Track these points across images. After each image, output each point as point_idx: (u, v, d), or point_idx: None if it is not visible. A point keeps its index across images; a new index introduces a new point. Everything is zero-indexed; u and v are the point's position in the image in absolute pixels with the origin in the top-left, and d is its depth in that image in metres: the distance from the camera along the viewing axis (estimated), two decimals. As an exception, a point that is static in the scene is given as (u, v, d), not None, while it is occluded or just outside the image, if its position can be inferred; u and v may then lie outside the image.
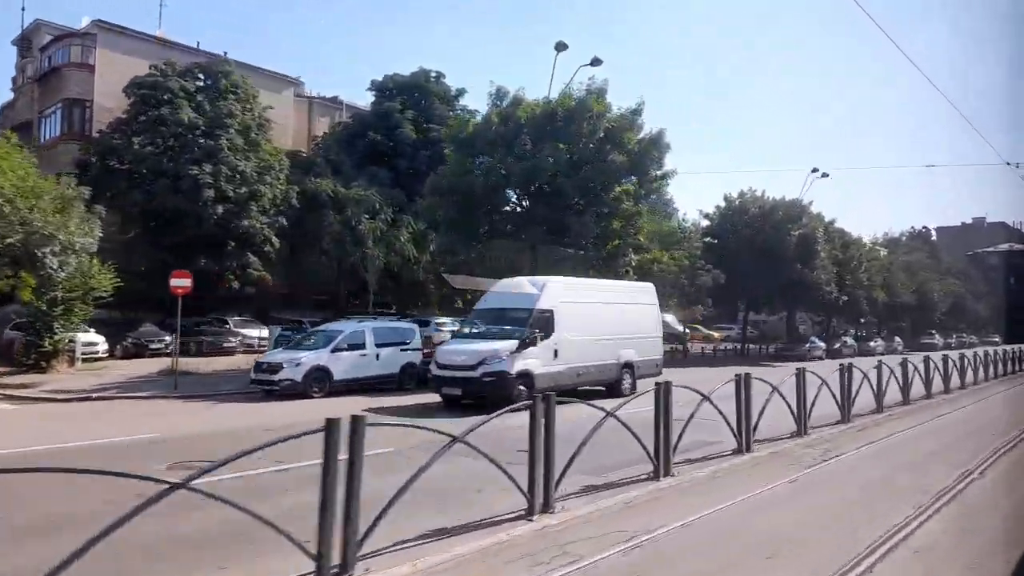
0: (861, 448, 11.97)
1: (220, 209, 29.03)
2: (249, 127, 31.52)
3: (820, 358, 42.39)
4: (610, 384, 18.05)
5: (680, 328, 58.59)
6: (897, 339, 60.18)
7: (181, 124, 29.35)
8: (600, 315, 17.51)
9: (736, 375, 11.18)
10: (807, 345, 42.47)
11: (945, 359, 22.99)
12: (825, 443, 12.23)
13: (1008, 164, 25.55)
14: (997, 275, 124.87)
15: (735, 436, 10.73)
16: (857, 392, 15.43)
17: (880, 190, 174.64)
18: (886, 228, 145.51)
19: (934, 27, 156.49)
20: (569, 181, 22.87)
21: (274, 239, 31.71)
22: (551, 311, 16.41)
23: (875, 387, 16.75)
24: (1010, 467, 10.47)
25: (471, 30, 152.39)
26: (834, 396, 14.51)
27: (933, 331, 71.85)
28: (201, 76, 32.62)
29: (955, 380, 23.17)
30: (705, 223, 43.42)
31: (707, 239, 41.64)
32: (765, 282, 38.65)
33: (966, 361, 25.80)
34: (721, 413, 10.52)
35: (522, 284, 17.46)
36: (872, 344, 52.92)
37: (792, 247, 38.86)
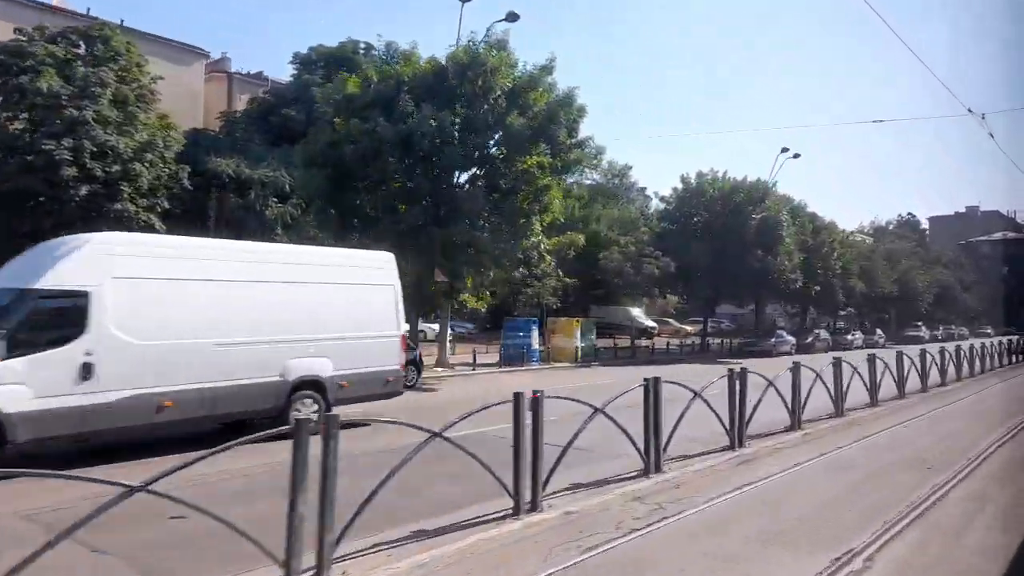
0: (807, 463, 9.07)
1: (84, 190, 25.34)
2: (126, 98, 27.75)
3: (788, 353, 38.83)
4: (270, 415, 10.63)
5: (647, 322, 55.12)
6: (879, 332, 56.65)
7: (40, 94, 25.61)
8: (246, 300, 10.60)
9: (645, 380, 8.96)
10: (773, 339, 38.88)
11: (923, 353, 20.72)
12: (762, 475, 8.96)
13: (971, 112, 22.02)
14: (991, 264, 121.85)
15: (641, 456, 8.51)
16: (808, 395, 12.88)
17: (874, 181, 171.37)
18: (873, 216, 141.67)
19: (933, 26, 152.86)
20: (458, 149, 19.24)
21: (158, 224, 28.00)
22: (85, 292, 9.13)
23: (832, 389, 14.25)
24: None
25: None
26: (786, 402, 12.15)
27: (919, 323, 68.41)
28: (81, 43, 28.89)
29: (935, 376, 21.38)
30: (662, 207, 39.78)
31: (663, 225, 37.99)
32: (724, 271, 35.07)
33: (947, 356, 23.01)
34: (624, 431, 8.22)
35: (53, 248, 9.99)
36: (849, 337, 49.40)
37: (752, 232, 35.22)
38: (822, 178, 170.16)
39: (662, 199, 41.04)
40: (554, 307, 57.86)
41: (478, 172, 19.94)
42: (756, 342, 39.00)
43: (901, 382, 18.61)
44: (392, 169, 19.29)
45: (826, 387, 14.28)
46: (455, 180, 19.11)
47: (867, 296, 52.84)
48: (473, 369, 24.50)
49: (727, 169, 37.24)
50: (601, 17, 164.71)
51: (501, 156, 20.00)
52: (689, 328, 61.47)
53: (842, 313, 63.50)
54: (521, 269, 22.27)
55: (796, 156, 44.39)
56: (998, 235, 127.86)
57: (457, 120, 19.18)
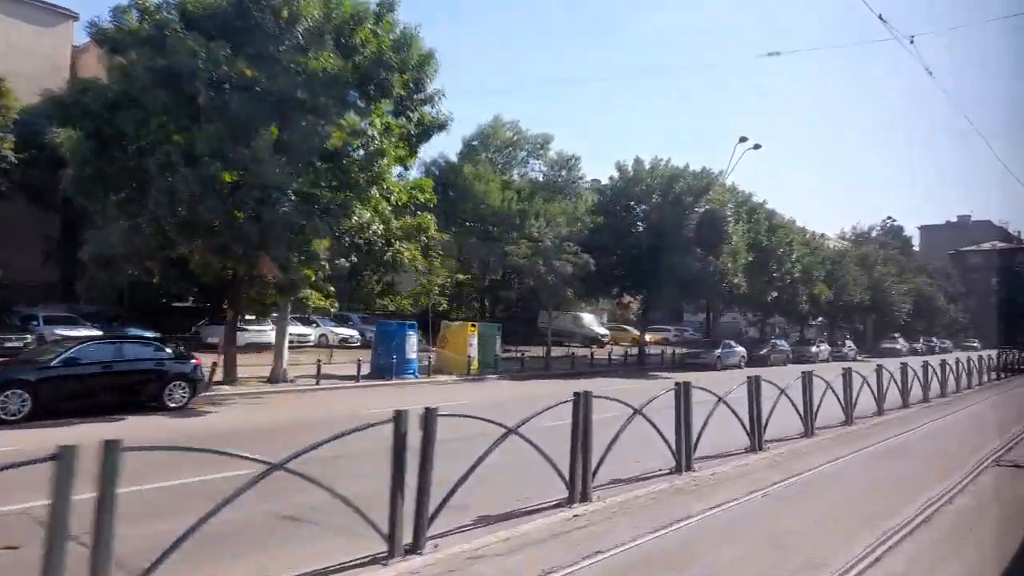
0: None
1: None
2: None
3: (737, 366, 34.42)
4: None
5: (598, 330, 50.62)
6: (848, 343, 52.15)
7: None
8: None
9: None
10: (718, 351, 34.31)
11: (878, 370, 17.45)
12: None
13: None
14: (981, 275, 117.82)
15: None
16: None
17: (865, 190, 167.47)
18: (855, 221, 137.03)
19: (932, 36, 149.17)
20: (243, 97, 14.64)
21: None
22: None
23: (752, 418, 11.19)
24: None
25: None
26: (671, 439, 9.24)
27: (896, 335, 64.04)
28: None
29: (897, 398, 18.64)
30: (596, 199, 35.21)
31: (596, 218, 33.42)
32: (660, 271, 30.55)
33: (910, 374, 19.75)
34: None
35: None
36: (814, 349, 44.87)
37: (693, 227, 30.70)
38: (809, 186, 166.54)
39: (597, 189, 36.56)
40: (496, 313, 53.55)
41: (281, 131, 15.31)
42: (700, 353, 34.42)
43: (848, 404, 14.95)
44: (160, 124, 14.69)
45: (738, 417, 11.05)
46: (252, 142, 14.48)
47: (836, 305, 48.39)
48: (317, 383, 19.85)
49: (671, 156, 32.81)
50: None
51: (311, 110, 15.39)
52: (650, 336, 57.04)
53: (813, 323, 59.07)
54: (353, 257, 17.50)
55: (756, 147, 40.35)
56: (987, 245, 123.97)
57: (245, 62, 14.57)
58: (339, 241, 16.21)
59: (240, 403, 16.39)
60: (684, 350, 37.71)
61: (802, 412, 12.85)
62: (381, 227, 17.07)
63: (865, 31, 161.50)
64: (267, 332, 30.00)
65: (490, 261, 35.91)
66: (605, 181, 34.96)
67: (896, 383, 18.64)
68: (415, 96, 17.03)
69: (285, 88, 15.03)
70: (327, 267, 17.73)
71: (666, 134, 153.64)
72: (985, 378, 30.33)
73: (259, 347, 26.57)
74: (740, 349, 36.27)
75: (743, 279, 31.83)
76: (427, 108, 17.82)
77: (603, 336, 49.20)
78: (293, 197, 15.21)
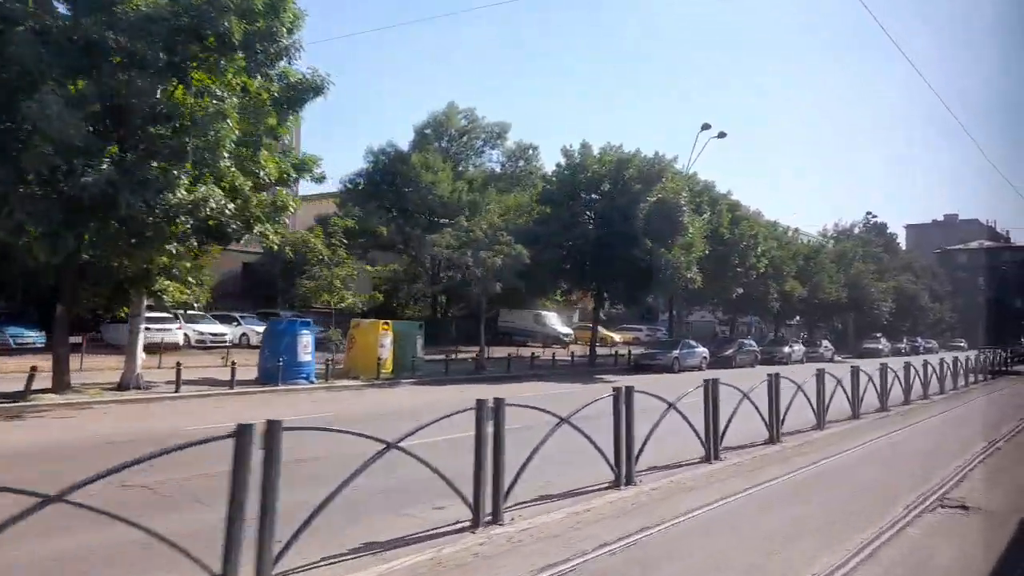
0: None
1: None
2: None
3: (698, 367, 31.76)
4: None
5: (560, 328, 47.91)
6: (825, 343, 49.56)
7: None
8: None
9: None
10: (676, 351, 31.61)
11: (854, 372, 16.47)
12: None
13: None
14: (968, 274, 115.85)
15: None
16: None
17: (852, 189, 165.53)
18: (837, 218, 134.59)
19: (921, 37, 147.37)
20: (34, 39, 11.83)
21: None
22: None
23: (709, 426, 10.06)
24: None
25: None
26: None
27: (878, 334, 61.56)
28: None
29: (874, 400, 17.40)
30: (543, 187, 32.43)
31: (542, 208, 30.69)
32: (608, 264, 27.88)
33: (889, 375, 18.45)
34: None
35: None
36: (786, 350, 42.21)
37: (643, 217, 27.98)
38: (800, 184, 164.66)
39: (543, 177, 33.91)
40: (451, 311, 50.78)
41: (80, 85, 12.49)
42: (656, 354, 31.67)
43: (774, 418, 12.21)
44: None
45: (691, 426, 9.92)
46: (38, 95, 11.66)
47: (811, 303, 45.82)
48: (176, 391, 17.02)
49: (623, 142, 30.14)
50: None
51: (130, 60, 12.60)
52: (619, 336, 54.39)
53: (791, 323, 56.56)
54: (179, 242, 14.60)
55: (721, 135, 37.80)
56: (974, 244, 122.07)
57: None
58: (167, 221, 13.34)
59: (50, 416, 13.56)
60: (641, 350, 34.98)
61: (702, 436, 10.09)
62: (230, 206, 14.19)
63: (857, 30, 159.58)
64: (173, 331, 27.23)
65: (431, 255, 33.16)
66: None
67: (855, 389, 16.07)
68: (269, 48, 14.16)
69: (90, 30, 12.23)
70: (175, 252, 14.98)
71: (665, 132, 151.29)
72: (963, 381, 27.77)
73: (165, 347, 23.71)
74: (701, 350, 33.57)
75: (697, 273, 29.07)
76: (285, 64, 14.98)
77: (565, 335, 46.50)
78: (105, 166, 12.41)
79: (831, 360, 48.40)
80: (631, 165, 28.92)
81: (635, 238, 27.53)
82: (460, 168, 43.14)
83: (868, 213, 53.85)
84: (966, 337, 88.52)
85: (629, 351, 35.41)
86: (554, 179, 30.89)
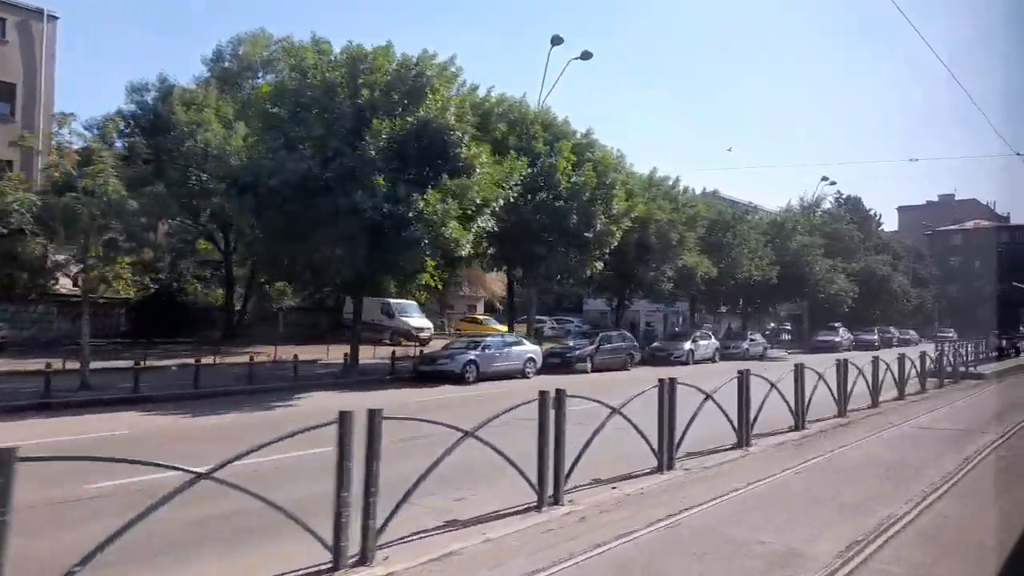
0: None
1: None
2: None
3: (523, 376, 21.86)
4: None
5: (415, 321, 37.99)
6: (751, 336, 39.16)
7: None
8: None
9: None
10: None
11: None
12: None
13: None
14: (963, 257, 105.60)
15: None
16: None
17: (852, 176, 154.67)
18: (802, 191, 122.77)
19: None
20: None
21: None
22: None
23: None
24: None
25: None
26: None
27: (836, 324, 51.34)
28: None
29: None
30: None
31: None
32: (325, 215, 17.84)
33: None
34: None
35: None
36: (687, 346, 32.03)
37: (386, 148, 17.91)
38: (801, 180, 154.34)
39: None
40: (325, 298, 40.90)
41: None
42: (441, 359, 21.62)
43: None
44: None
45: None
46: None
47: (728, 283, 35.64)
48: None
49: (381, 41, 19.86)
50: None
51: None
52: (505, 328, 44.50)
53: (723, 310, 46.32)
54: None
55: (585, 56, 27.91)
56: (969, 223, 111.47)
57: None
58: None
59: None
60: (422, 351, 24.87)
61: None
62: None
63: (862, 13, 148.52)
64: None
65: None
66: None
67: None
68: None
69: None
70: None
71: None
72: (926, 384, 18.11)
73: None
74: (527, 348, 23.52)
75: (478, 230, 19.06)
76: None
77: (422, 330, 36.51)
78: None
79: (760, 357, 38.31)
80: (371, 68, 18.82)
81: (369, 177, 17.49)
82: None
83: (824, 178, 43.75)
84: (958, 326, 78.45)
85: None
86: (274, 89, 20.57)
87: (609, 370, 26.41)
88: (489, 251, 25.20)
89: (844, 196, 75.49)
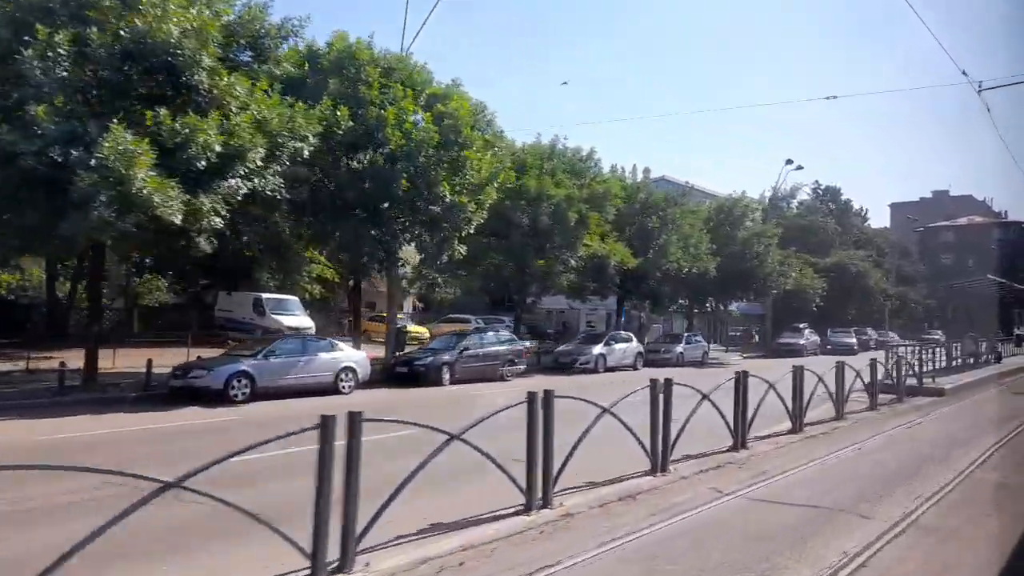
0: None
1: None
2: None
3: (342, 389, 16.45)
4: None
5: (292, 321, 32.39)
6: (689, 338, 33.41)
7: None
8: None
9: None
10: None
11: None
12: None
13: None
14: (956, 256, 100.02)
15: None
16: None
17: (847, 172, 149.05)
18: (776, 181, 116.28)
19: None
20: None
21: None
22: None
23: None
24: None
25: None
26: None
27: (802, 325, 45.81)
28: None
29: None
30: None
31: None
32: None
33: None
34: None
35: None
36: (597, 350, 26.54)
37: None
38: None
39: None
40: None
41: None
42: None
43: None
44: None
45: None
46: None
47: (655, 276, 30.04)
48: None
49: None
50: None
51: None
52: (426, 330, 39.01)
53: (676, 306, 40.69)
54: None
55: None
56: (963, 220, 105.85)
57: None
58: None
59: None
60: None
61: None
62: None
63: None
64: None
65: None
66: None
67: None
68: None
69: None
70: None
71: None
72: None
73: None
74: (345, 355, 17.97)
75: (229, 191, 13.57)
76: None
77: (297, 331, 30.97)
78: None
79: (699, 363, 32.75)
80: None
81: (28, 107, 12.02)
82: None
83: (788, 161, 38.06)
84: (947, 328, 72.86)
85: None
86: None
87: (482, 380, 20.97)
88: (306, 228, 19.55)
89: (823, 187, 69.81)
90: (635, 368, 28.36)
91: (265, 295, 31.78)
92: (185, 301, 35.78)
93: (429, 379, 19.73)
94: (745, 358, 41.51)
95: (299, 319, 32.01)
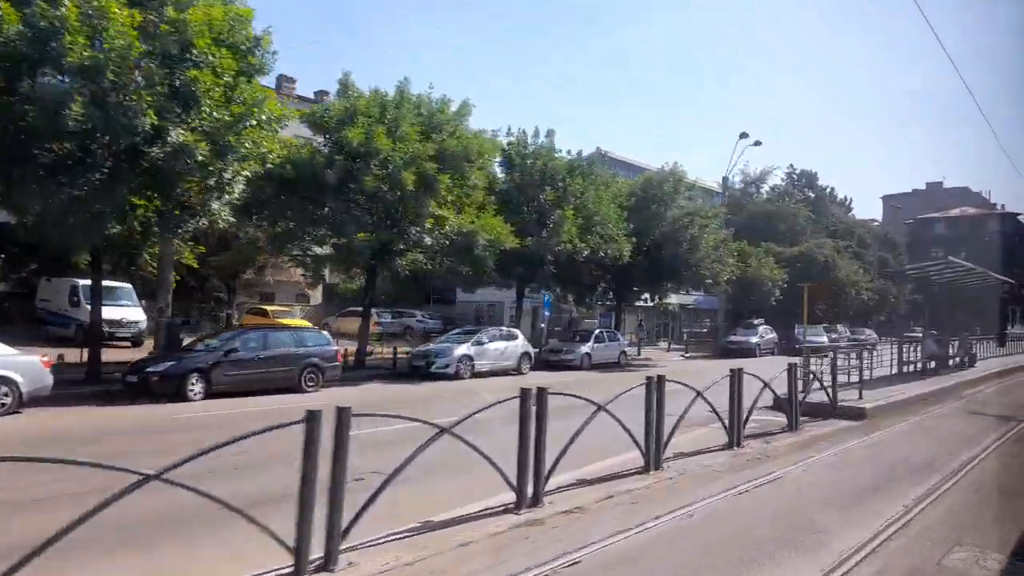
0: None
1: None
2: None
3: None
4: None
5: (116, 312, 26.84)
6: (617, 336, 28.13)
7: None
8: None
9: None
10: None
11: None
12: None
13: None
14: (949, 248, 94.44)
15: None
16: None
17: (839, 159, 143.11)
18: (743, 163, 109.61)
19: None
20: None
21: None
22: None
23: None
24: None
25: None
26: None
27: (757, 320, 40.45)
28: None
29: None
30: None
31: None
32: None
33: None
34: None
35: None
36: (459, 351, 21.20)
37: None
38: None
39: None
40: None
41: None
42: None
43: None
44: None
45: None
46: None
47: (534, 260, 24.58)
48: None
49: None
50: None
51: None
52: (304, 321, 33.58)
53: (600, 300, 35.18)
54: None
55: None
56: (955, 211, 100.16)
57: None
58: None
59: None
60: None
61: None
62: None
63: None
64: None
65: None
66: None
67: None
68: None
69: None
70: None
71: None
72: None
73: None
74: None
75: None
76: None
77: (119, 325, 25.64)
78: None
79: (618, 365, 27.37)
80: None
81: None
82: None
83: (743, 135, 32.65)
84: (935, 325, 67.36)
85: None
86: None
87: (265, 392, 15.59)
88: None
89: (797, 171, 64.18)
90: (519, 372, 22.96)
91: (83, 282, 26.19)
92: (10, 288, 30.46)
93: (169, 392, 14.33)
94: (687, 358, 36.20)
95: (126, 311, 26.65)
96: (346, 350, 21.10)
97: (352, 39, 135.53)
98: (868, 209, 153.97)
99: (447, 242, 20.82)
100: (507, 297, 39.62)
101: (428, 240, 20.23)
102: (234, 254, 29.78)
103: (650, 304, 34.59)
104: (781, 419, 11.91)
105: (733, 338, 37.52)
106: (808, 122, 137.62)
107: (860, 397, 14.67)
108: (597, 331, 27.91)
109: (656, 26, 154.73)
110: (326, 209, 18.28)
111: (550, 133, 26.85)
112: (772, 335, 39.41)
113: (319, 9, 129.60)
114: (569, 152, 27.04)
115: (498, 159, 27.14)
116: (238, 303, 35.86)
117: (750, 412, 10.53)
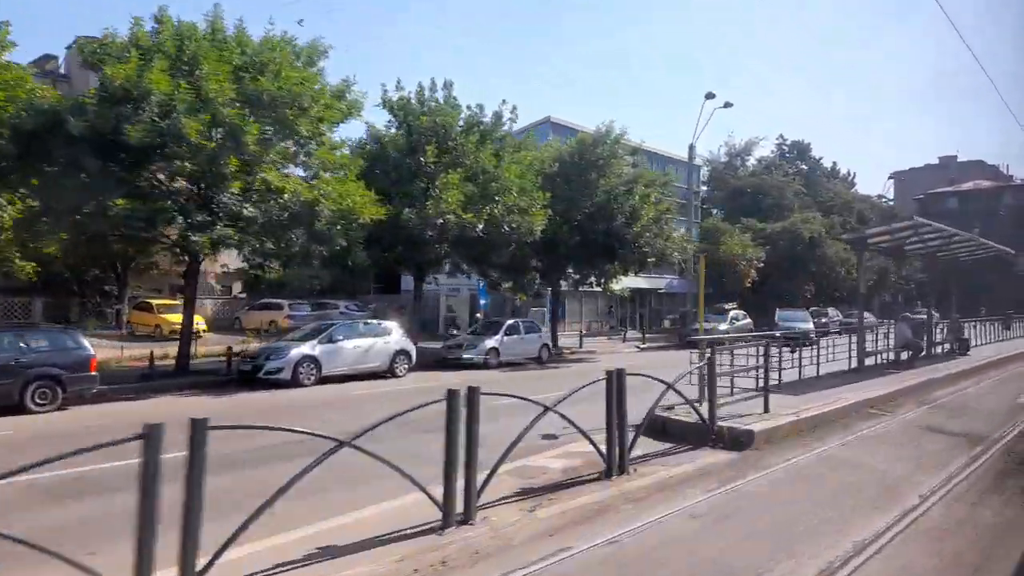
0: None
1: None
2: None
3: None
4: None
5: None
6: (536, 330, 23.69)
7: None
8: None
9: None
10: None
11: None
12: None
13: None
14: (960, 225, 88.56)
15: None
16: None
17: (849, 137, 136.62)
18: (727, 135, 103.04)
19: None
20: None
21: None
22: None
23: None
24: None
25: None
26: None
27: (727, 305, 35.80)
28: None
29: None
30: None
31: None
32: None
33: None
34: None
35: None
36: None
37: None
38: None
39: None
40: None
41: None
42: None
43: None
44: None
45: None
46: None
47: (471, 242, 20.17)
48: None
49: None
50: None
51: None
52: (201, 319, 29.35)
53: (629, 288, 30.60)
54: None
55: None
56: (968, 184, 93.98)
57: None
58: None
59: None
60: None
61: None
62: None
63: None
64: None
65: None
66: None
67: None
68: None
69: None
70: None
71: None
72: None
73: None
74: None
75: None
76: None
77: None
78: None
79: (538, 362, 22.92)
80: None
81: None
82: None
83: (709, 95, 28.06)
84: (940, 308, 62.11)
85: None
86: None
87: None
88: None
89: (788, 142, 58.89)
90: (392, 375, 18.57)
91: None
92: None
93: None
94: (641, 350, 31.62)
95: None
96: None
97: (352, 39, 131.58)
98: (880, 188, 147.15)
99: (285, 214, 16.43)
100: (463, 284, 35.23)
101: (248, 211, 15.79)
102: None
103: (598, 289, 29.86)
104: (656, 445, 7.45)
105: (698, 325, 32.80)
106: (807, 124, 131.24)
107: (765, 411, 10.12)
108: (510, 322, 23.38)
109: (656, 26, 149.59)
110: (83, 175, 13.89)
111: (447, 85, 22.33)
112: (745, 321, 34.61)
113: (319, 9, 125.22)
114: (470, 107, 22.43)
115: (390, 118, 22.79)
116: (129, 296, 31.68)
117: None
